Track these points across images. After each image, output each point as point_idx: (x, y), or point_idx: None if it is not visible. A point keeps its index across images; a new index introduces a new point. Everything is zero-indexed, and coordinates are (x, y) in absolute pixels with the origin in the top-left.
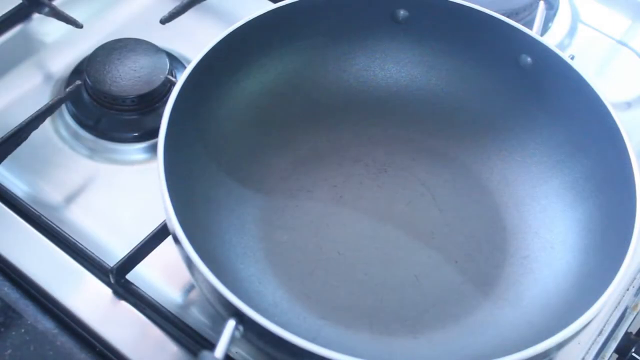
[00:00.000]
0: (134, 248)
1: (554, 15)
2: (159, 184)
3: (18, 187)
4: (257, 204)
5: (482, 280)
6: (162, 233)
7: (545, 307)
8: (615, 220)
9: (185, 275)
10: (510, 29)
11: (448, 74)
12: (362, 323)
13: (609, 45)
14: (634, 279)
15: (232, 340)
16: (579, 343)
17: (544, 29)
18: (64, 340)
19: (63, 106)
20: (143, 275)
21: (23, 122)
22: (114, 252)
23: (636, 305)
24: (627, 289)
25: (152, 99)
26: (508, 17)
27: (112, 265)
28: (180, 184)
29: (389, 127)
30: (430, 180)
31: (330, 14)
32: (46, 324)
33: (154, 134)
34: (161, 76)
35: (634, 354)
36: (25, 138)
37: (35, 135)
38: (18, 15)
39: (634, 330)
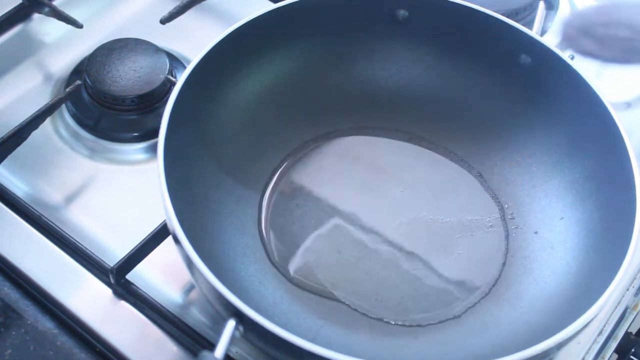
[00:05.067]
0: (134, 248)
1: (554, 15)
2: (159, 184)
3: (18, 187)
4: (257, 204)
5: (482, 280)
6: (162, 233)
7: (545, 307)
8: (615, 220)
9: (185, 275)
10: (510, 29)
11: (448, 74)
12: (362, 323)
13: None
14: (634, 279)
15: (232, 340)
16: (579, 343)
17: (544, 29)
18: (64, 340)
19: (63, 106)
20: (143, 275)
21: (23, 122)
22: (114, 252)
23: (636, 305)
24: (627, 289)
25: (152, 99)
26: (508, 17)
27: (112, 265)
28: (180, 183)
29: (389, 127)
30: (430, 180)
31: (331, 14)
32: (46, 324)
33: (154, 134)
34: (161, 76)
35: (633, 355)
36: (25, 138)
37: (35, 135)
38: (18, 15)
39: (634, 330)
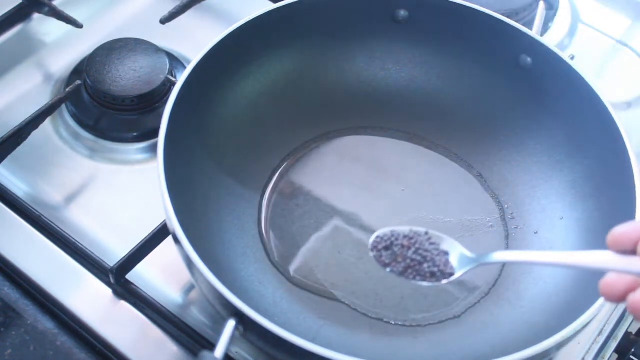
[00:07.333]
0: (134, 248)
1: (554, 15)
2: (159, 184)
3: (18, 187)
4: (257, 204)
5: (482, 280)
6: (162, 233)
7: (545, 307)
8: (615, 220)
9: (185, 275)
10: (510, 29)
11: (448, 74)
12: (362, 323)
13: (609, 45)
14: None
15: (232, 340)
16: (579, 343)
17: (544, 29)
18: (64, 340)
19: (63, 106)
20: (143, 275)
21: (23, 122)
22: (114, 252)
23: None
24: None
25: (152, 99)
26: (508, 17)
27: (112, 265)
28: (180, 184)
29: (389, 127)
30: (430, 180)
31: (330, 14)
32: (46, 324)
33: (154, 134)
34: (161, 76)
35: (633, 355)
36: (25, 138)
37: (35, 135)
38: (18, 15)
39: (634, 330)
